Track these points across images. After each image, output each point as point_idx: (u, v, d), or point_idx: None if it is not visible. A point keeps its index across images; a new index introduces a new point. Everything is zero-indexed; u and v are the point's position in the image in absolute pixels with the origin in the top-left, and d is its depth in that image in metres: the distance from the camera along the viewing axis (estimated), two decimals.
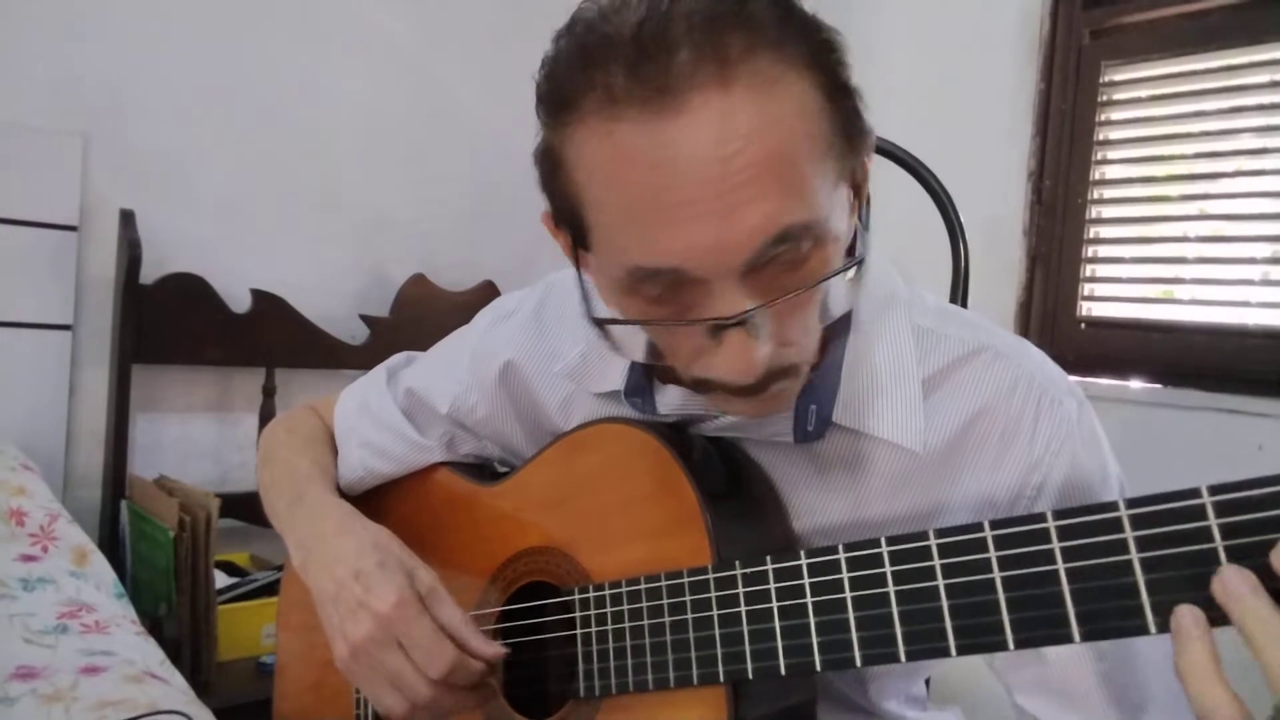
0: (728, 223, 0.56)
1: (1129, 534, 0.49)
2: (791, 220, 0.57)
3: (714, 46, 0.54)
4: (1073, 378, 0.73)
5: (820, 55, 0.59)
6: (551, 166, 0.63)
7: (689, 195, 0.56)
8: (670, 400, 0.75)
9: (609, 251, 0.62)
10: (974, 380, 0.71)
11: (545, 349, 0.86)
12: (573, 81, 0.58)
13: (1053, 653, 0.67)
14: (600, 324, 0.65)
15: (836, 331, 0.71)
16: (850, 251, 0.64)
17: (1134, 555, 0.49)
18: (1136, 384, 1.97)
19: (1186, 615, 0.48)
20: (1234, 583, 0.46)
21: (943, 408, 0.71)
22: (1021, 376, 0.70)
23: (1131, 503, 0.49)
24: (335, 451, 0.99)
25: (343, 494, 0.96)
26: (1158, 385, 1.94)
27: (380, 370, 1.00)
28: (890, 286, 0.74)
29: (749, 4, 0.56)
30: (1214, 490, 0.47)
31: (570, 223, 0.64)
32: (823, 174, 0.58)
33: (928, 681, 0.97)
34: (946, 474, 0.71)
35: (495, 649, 0.74)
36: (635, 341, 0.68)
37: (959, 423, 0.70)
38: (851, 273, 0.61)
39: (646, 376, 0.76)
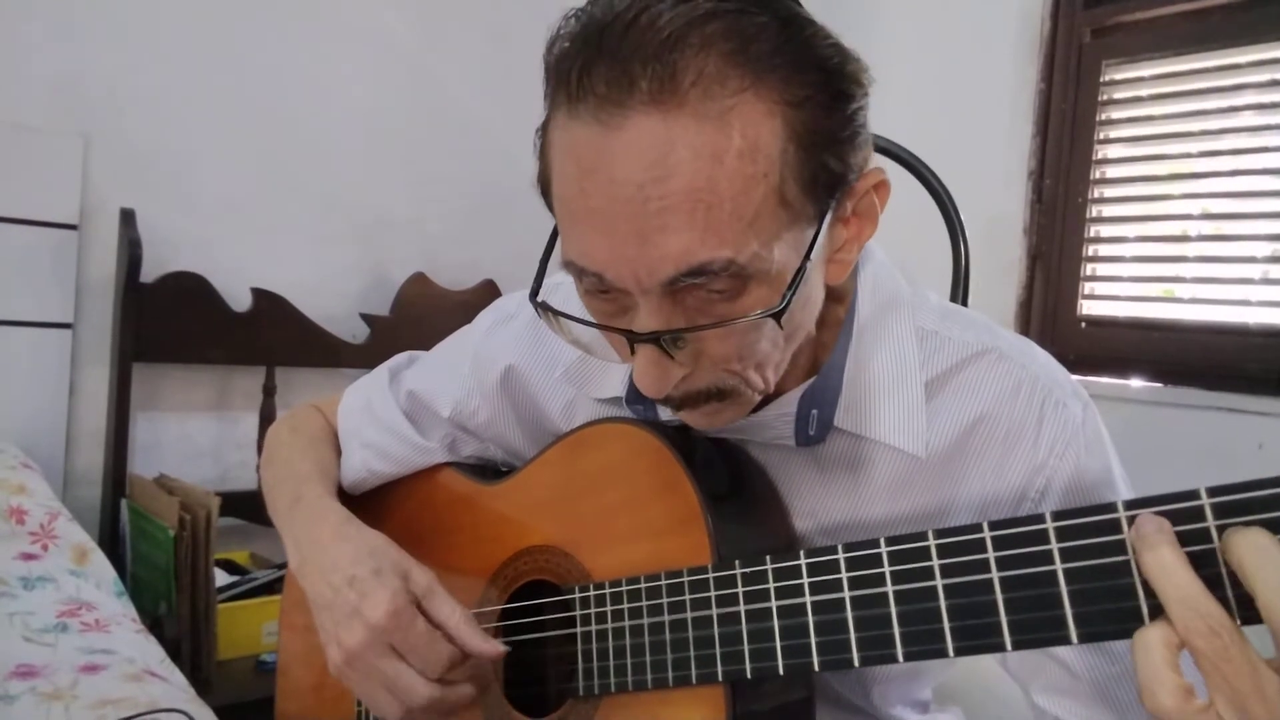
0: (642, 246, 0.56)
1: (1127, 535, 0.49)
2: (709, 257, 0.56)
3: (666, 67, 0.53)
4: (1073, 377, 0.73)
5: (807, 94, 0.57)
6: (541, 140, 0.64)
7: (609, 210, 0.56)
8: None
9: (561, 237, 0.63)
10: (978, 382, 0.70)
11: (546, 354, 0.86)
12: (556, 66, 0.59)
13: (1067, 654, 0.67)
14: (539, 306, 0.65)
15: (838, 335, 0.71)
16: (790, 286, 0.60)
17: (1132, 556, 0.49)
18: (1137, 383, 1.97)
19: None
20: (1145, 527, 0.47)
21: (946, 410, 0.70)
22: (1025, 378, 0.70)
23: (1130, 504, 0.49)
24: (338, 451, 0.99)
25: (345, 494, 0.96)
26: (1158, 384, 1.94)
27: (383, 370, 0.99)
28: (893, 289, 0.74)
29: (740, 23, 0.55)
30: (1213, 492, 0.46)
31: (545, 196, 0.65)
32: (763, 216, 0.56)
33: None
34: (949, 477, 0.70)
35: (495, 646, 0.74)
36: (581, 331, 0.68)
37: (962, 426, 0.70)
38: (769, 320, 0.58)
39: None
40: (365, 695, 0.75)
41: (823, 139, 0.58)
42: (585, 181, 0.57)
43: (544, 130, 0.63)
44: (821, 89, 0.57)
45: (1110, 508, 0.50)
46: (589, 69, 0.55)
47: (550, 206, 0.65)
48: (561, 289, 0.78)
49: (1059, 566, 0.51)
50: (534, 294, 0.66)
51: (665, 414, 0.75)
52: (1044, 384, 0.70)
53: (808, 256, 0.59)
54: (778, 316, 0.58)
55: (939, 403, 0.71)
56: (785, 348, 0.65)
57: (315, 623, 0.78)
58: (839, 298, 0.72)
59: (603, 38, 0.55)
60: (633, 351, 0.61)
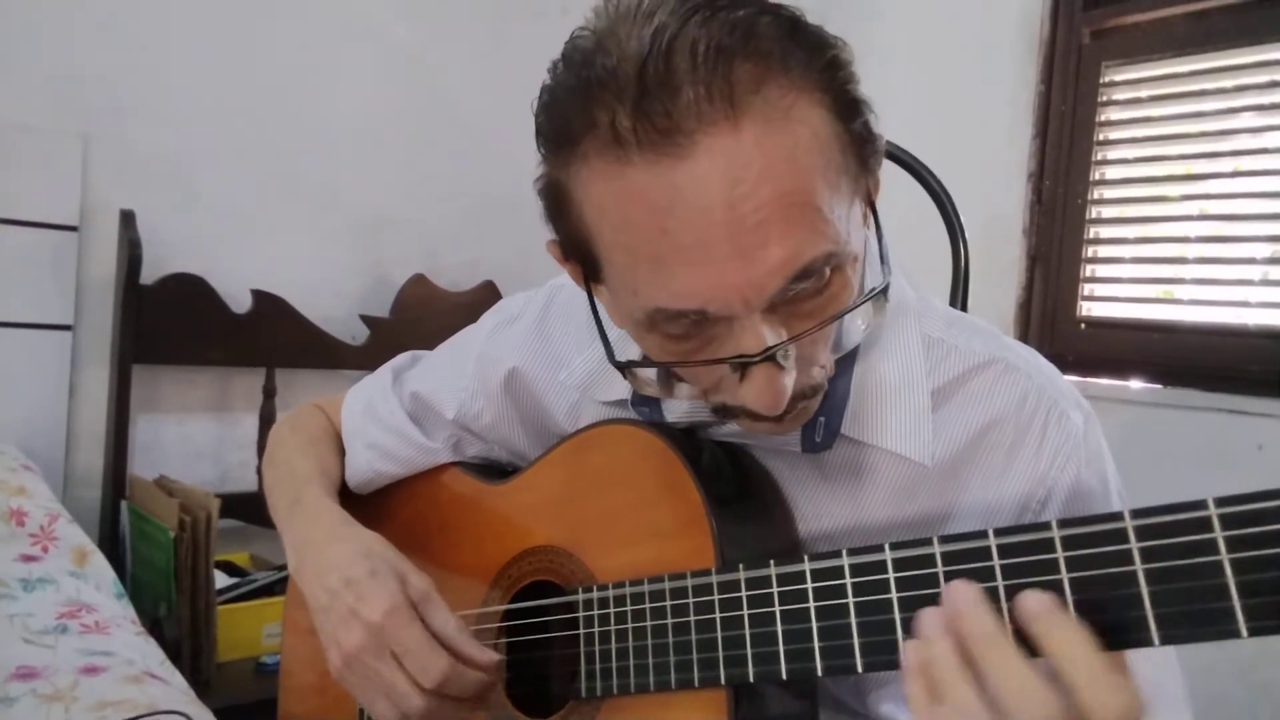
0: (747, 265, 0.55)
1: (1134, 545, 0.49)
2: (813, 254, 0.56)
3: (721, 82, 0.53)
4: (1072, 378, 0.73)
5: (829, 75, 0.57)
6: (557, 202, 0.62)
7: (704, 239, 0.54)
8: (677, 409, 0.75)
9: (626, 292, 0.61)
10: (984, 393, 0.70)
11: (550, 356, 0.86)
12: (574, 118, 0.57)
13: None
14: (624, 368, 0.64)
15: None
16: (881, 260, 0.64)
17: (1138, 566, 0.48)
18: (1136, 384, 1.97)
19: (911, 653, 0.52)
20: (1030, 602, 0.49)
21: (952, 420, 0.70)
22: (1032, 389, 0.70)
23: (1137, 513, 0.49)
24: (340, 451, 0.99)
25: (348, 494, 0.97)
26: (1158, 385, 1.94)
27: (386, 371, 0.99)
28: (900, 296, 0.74)
29: (754, 28, 0.55)
30: (1220, 502, 0.46)
31: (581, 258, 0.64)
32: (838, 200, 0.57)
33: None
34: (953, 485, 0.70)
35: (490, 656, 0.74)
36: (658, 376, 0.68)
37: (968, 435, 0.70)
38: (878, 298, 0.61)
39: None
40: (364, 699, 0.75)
41: (853, 115, 0.59)
42: (665, 221, 0.55)
43: (559, 190, 0.61)
44: (834, 70, 0.58)
45: (1117, 517, 0.49)
46: (640, 108, 0.53)
47: (591, 268, 0.63)
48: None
49: (1064, 576, 0.51)
50: (611, 357, 0.65)
51: (672, 416, 0.75)
52: (1049, 395, 0.70)
53: (879, 225, 0.61)
54: (885, 291, 0.59)
55: (945, 412, 0.71)
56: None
57: (315, 625, 0.79)
58: None
59: (642, 75, 0.53)
60: (742, 378, 0.59)
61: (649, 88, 0.53)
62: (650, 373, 0.66)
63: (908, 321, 0.73)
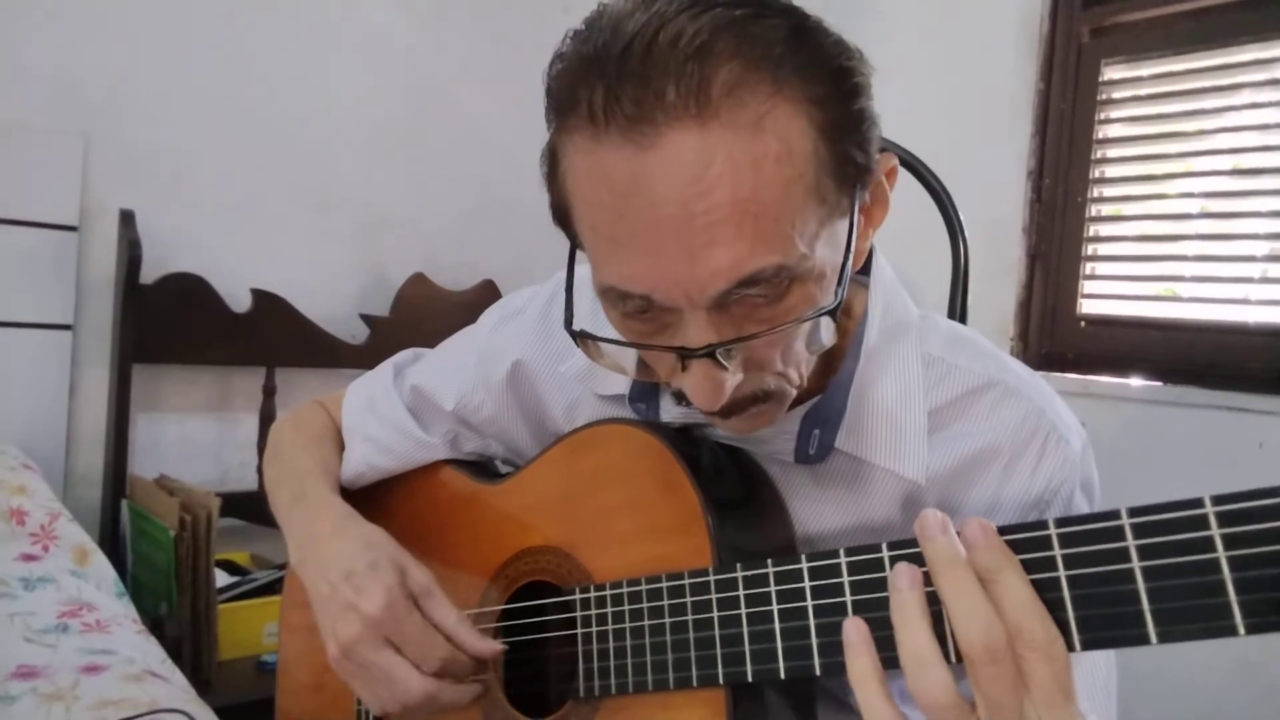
0: (691, 264, 0.55)
1: (1131, 543, 0.49)
2: (760, 265, 0.56)
3: (697, 78, 0.53)
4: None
5: (825, 87, 0.57)
6: (551, 167, 0.63)
7: (654, 230, 0.55)
8: (674, 407, 0.74)
9: (591, 263, 0.62)
10: (984, 417, 0.70)
11: (553, 349, 0.86)
12: (566, 90, 0.58)
13: None
14: (576, 336, 0.65)
15: (846, 355, 0.71)
16: (839, 283, 0.62)
17: (1135, 564, 0.48)
18: (1137, 382, 1.97)
19: (852, 630, 0.54)
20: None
21: (949, 440, 0.70)
22: (1031, 411, 0.69)
23: (1134, 511, 0.49)
24: (341, 448, 0.99)
25: (346, 490, 0.97)
26: (1158, 383, 1.94)
27: (387, 366, 1.00)
28: (901, 313, 0.73)
29: (750, 28, 0.54)
30: (1217, 500, 0.46)
31: (563, 224, 0.65)
32: (804, 217, 0.57)
33: None
34: (947, 503, 0.70)
35: (491, 646, 0.75)
36: (620, 352, 0.68)
37: (965, 455, 0.70)
38: (825, 318, 0.59)
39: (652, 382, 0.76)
40: (361, 690, 0.76)
41: (845, 132, 0.58)
42: (623, 206, 0.56)
43: (553, 157, 0.62)
44: (836, 84, 0.58)
45: (1114, 515, 0.50)
46: (613, 91, 0.54)
47: (571, 234, 0.64)
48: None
49: (1062, 574, 0.51)
50: (568, 324, 0.66)
51: (668, 414, 0.75)
52: (1049, 418, 0.69)
53: (849, 249, 0.60)
54: (833, 313, 0.58)
55: (943, 433, 0.70)
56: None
57: (315, 618, 0.79)
58: (847, 309, 0.72)
59: (624, 59, 0.54)
60: (684, 368, 0.60)
61: (627, 73, 0.54)
62: (611, 350, 0.66)
63: (909, 339, 0.72)
